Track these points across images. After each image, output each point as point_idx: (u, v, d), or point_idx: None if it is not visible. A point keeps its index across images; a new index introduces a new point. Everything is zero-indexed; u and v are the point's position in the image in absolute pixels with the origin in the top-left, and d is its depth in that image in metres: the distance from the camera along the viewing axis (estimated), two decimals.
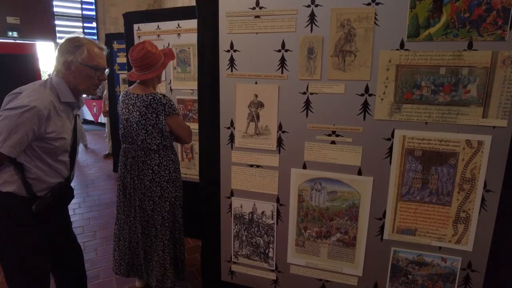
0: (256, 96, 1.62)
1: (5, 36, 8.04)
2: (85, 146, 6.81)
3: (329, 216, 1.63)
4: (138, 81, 2.01)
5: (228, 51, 1.63)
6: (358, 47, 1.45)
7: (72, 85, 1.41)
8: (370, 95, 1.47)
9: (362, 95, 1.48)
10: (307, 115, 1.57)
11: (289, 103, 1.58)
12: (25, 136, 1.26)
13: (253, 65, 1.60)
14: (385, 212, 1.55)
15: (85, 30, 9.78)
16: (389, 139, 1.49)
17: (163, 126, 1.90)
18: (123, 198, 2.07)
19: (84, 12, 9.71)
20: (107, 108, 5.44)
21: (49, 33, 8.68)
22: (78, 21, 9.71)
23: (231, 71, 1.65)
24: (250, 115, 1.65)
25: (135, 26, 3.07)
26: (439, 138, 1.44)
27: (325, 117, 1.55)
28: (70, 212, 3.71)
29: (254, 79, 1.62)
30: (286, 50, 1.54)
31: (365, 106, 1.49)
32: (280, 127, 1.62)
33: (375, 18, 1.41)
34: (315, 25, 1.48)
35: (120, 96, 2.04)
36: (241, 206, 1.77)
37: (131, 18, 3.13)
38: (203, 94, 1.72)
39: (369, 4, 1.40)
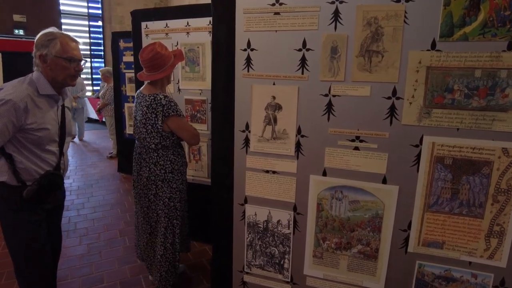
0: (274, 98, 1.53)
1: (12, 34, 8.01)
2: (80, 139, 7.20)
3: (350, 226, 1.53)
4: (147, 81, 2.02)
5: (245, 50, 1.54)
6: (385, 47, 1.35)
7: (50, 77, 1.47)
8: (398, 98, 1.37)
9: (389, 98, 1.38)
10: (328, 118, 1.47)
11: (309, 105, 1.49)
12: (5, 127, 1.35)
13: (271, 65, 1.51)
14: (410, 223, 1.45)
15: (91, 29, 9.74)
16: (417, 146, 1.39)
17: (160, 127, 1.90)
18: (134, 190, 2.17)
19: (90, 11, 9.67)
20: (99, 106, 5.88)
21: None
22: (84, 19, 9.66)
23: (248, 71, 1.55)
24: (267, 118, 1.56)
25: (143, 24, 2.99)
26: (472, 146, 1.34)
27: (348, 121, 1.45)
28: (73, 213, 3.68)
29: (272, 79, 1.52)
30: (308, 49, 1.45)
31: (392, 110, 1.39)
32: (299, 131, 1.53)
33: (405, 17, 1.31)
34: (340, 23, 1.39)
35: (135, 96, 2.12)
36: (255, 214, 1.67)
37: (139, 16, 3.05)
38: (217, 95, 1.63)
39: (398, 1, 1.31)
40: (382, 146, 1.43)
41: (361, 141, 1.45)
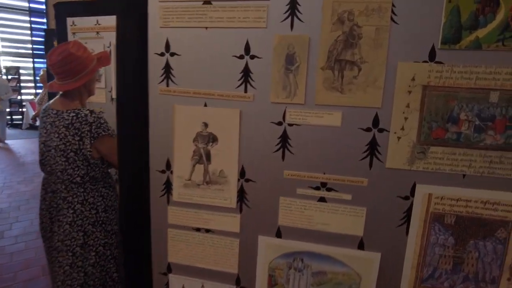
0: (206, 125, 1.05)
1: None
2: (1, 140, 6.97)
3: None
4: (60, 93, 1.62)
5: (162, 54, 1.05)
6: (364, 55, 0.92)
7: None
8: (381, 130, 0.95)
9: (368, 130, 0.95)
10: (283, 156, 1.02)
11: (257, 138, 1.02)
12: None
13: (202, 77, 1.03)
14: None
15: (33, 25, 8.75)
16: (407, 198, 0.98)
17: (89, 153, 1.49)
18: (45, 245, 1.70)
19: (32, 5, 8.68)
20: (35, 113, 5.38)
21: None
22: (25, 14, 8.65)
23: (167, 85, 1.06)
24: (197, 153, 1.08)
25: (69, 20, 2.50)
26: (483, 199, 0.94)
27: (311, 161, 1.01)
28: None
29: (202, 98, 1.04)
30: (252, 57, 0.98)
31: (373, 147, 0.96)
32: (242, 173, 1.06)
33: (392, 12, 0.89)
34: (298, 19, 0.94)
35: (40, 113, 1.68)
36: None
37: (63, 10, 2.52)
38: (124, 118, 1.11)
39: None
40: (359, 197, 1.00)
41: (328, 189, 1.01)
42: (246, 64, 0.99)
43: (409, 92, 0.92)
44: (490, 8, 0.85)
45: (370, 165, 0.98)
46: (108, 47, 2.30)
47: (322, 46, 0.94)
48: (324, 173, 1.01)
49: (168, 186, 1.12)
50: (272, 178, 1.04)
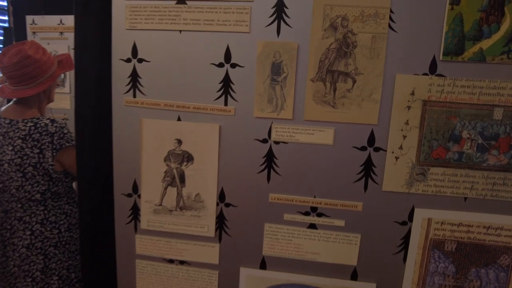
0: (180, 142, 0.92)
1: None
2: None
3: None
4: (14, 99, 1.44)
5: (129, 60, 0.91)
6: (359, 66, 0.82)
7: None
8: (377, 149, 0.85)
9: (363, 149, 0.86)
10: (268, 178, 0.90)
11: (238, 156, 0.90)
12: None
13: (174, 87, 0.90)
14: None
15: None
16: (404, 224, 0.89)
17: (51, 166, 1.31)
18: None
19: None
20: None
21: None
22: None
23: (134, 95, 0.92)
24: (169, 174, 0.94)
25: (28, 19, 2.28)
26: (486, 224, 0.87)
27: (299, 184, 0.90)
28: None
29: (175, 112, 0.91)
30: (233, 65, 0.86)
31: (368, 168, 0.86)
32: (221, 197, 0.93)
33: (390, 18, 0.80)
34: (286, 23, 0.83)
35: None
36: None
37: (21, 7, 2.29)
38: (83, 135, 0.96)
39: None
40: (353, 223, 0.90)
41: (319, 215, 0.90)
42: (227, 73, 0.87)
43: (408, 107, 0.83)
44: (494, 17, 0.78)
45: (365, 187, 0.88)
46: (73, 49, 2.12)
47: (312, 55, 0.83)
48: (315, 197, 0.90)
49: (135, 212, 0.98)
50: (256, 203, 0.92)
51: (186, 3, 0.85)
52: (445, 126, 0.83)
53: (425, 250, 0.90)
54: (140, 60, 0.90)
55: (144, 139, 0.93)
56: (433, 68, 0.81)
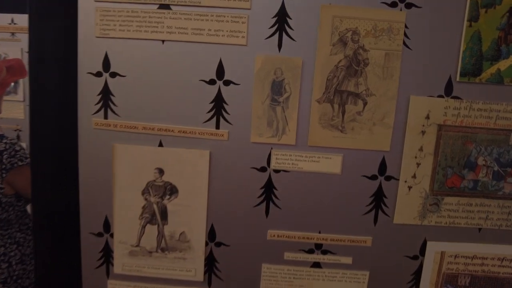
0: (161, 171, 0.77)
1: None
2: None
3: None
4: None
5: (99, 74, 0.75)
6: (371, 86, 0.73)
7: None
8: (389, 178, 0.77)
9: (374, 178, 0.77)
10: (267, 212, 0.78)
11: (232, 187, 0.78)
12: None
13: (155, 107, 0.76)
14: None
15: None
16: (416, 258, 0.81)
17: (0, 190, 1.16)
18: None
19: None
20: None
21: None
22: None
23: (105, 116, 0.76)
24: (148, 210, 0.79)
25: None
26: (500, 256, 0.81)
27: (302, 218, 0.79)
28: None
29: (156, 136, 0.77)
30: (227, 82, 0.74)
31: (379, 199, 0.77)
32: (211, 235, 0.80)
33: (405, 34, 0.71)
34: (289, 36, 0.72)
35: None
36: None
37: None
38: (40, 163, 0.78)
39: (394, 4, 0.70)
40: (361, 260, 0.80)
41: (324, 252, 0.80)
42: (219, 92, 0.74)
43: (423, 132, 0.75)
44: None
45: (375, 221, 0.79)
46: (28, 52, 1.88)
47: (318, 73, 0.73)
48: (320, 232, 0.79)
49: (107, 253, 0.81)
50: (252, 241, 0.79)
51: (170, 8, 0.71)
52: (460, 152, 0.76)
53: (438, 285, 0.82)
54: (113, 75, 0.75)
55: (117, 168, 0.77)
56: (449, 90, 0.74)
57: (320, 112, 0.74)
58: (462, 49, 0.72)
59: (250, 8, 0.71)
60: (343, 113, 0.74)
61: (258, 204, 0.78)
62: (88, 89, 0.75)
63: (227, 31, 0.72)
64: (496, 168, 0.77)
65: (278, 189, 0.77)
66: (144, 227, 0.79)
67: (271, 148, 0.76)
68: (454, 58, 0.73)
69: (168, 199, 0.78)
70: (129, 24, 0.72)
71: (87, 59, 0.74)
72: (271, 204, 0.78)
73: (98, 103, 0.76)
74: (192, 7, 0.71)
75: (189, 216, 0.79)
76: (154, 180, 0.78)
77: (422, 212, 0.78)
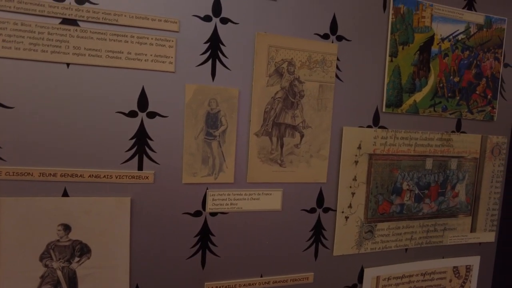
0: (67, 228, 0.61)
1: None
2: None
3: None
4: None
5: None
6: (307, 118, 0.71)
7: None
8: (326, 210, 0.75)
9: (312, 211, 0.74)
10: (203, 262, 0.68)
11: (160, 239, 0.65)
12: None
13: (57, 148, 0.59)
14: None
15: None
16: (354, 287, 0.80)
17: None
18: None
19: None
20: None
21: None
22: None
23: None
24: (50, 279, 0.61)
25: None
26: (422, 271, 0.87)
27: (243, 263, 0.71)
28: None
29: (59, 183, 0.60)
30: (152, 115, 0.63)
31: (318, 233, 0.75)
32: None
33: (337, 67, 0.72)
34: (223, 64, 0.65)
35: None
36: None
37: None
38: None
39: (326, 36, 0.70)
40: None
41: None
42: (141, 126, 0.62)
43: (356, 162, 0.76)
44: (423, 72, 0.79)
45: (315, 255, 0.76)
46: None
47: (256, 105, 0.67)
48: (261, 276, 0.72)
49: None
50: None
51: (78, 25, 0.58)
52: (388, 179, 0.79)
53: None
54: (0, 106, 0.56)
55: (4, 229, 0.58)
56: (376, 120, 0.77)
57: (259, 145, 0.69)
58: (386, 81, 0.76)
59: (178, 31, 0.62)
60: (282, 146, 0.70)
61: (193, 255, 0.68)
62: None
63: (151, 55, 0.61)
64: (417, 192, 0.83)
65: (216, 234, 0.68)
66: None
67: (207, 189, 0.67)
68: (380, 90, 0.76)
69: (78, 261, 0.62)
70: (19, 40, 0.55)
71: None
72: (207, 252, 0.68)
73: None
74: (107, 25, 0.59)
75: (107, 279, 0.63)
76: (58, 240, 0.60)
77: (359, 240, 0.79)
